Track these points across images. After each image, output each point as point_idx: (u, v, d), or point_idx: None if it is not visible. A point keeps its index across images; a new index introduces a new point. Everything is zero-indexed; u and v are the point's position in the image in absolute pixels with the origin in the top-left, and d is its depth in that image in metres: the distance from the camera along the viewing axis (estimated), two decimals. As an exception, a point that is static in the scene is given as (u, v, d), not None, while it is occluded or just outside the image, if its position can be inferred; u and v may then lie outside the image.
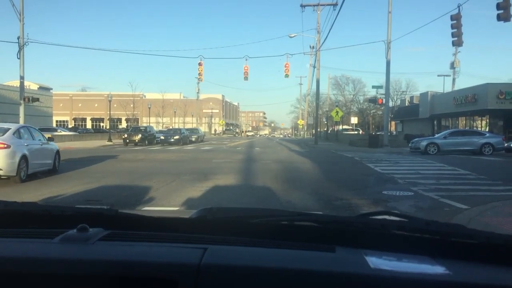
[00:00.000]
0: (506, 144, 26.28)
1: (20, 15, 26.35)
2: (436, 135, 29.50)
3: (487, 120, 37.98)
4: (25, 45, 26.80)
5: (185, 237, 1.34)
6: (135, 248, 1.25)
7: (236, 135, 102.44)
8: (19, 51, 26.67)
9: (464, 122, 42.35)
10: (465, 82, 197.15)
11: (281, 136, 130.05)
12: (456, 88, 46.88)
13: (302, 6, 39.84)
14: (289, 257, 1.20)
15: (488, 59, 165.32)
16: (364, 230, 1.39)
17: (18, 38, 26.62)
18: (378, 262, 1.18)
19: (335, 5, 34.94)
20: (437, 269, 1.18)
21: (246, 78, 39.32)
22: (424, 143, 26.31)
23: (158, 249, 1.25)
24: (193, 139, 45.05)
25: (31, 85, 64.84)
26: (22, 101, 27.83)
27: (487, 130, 34.11)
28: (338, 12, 35.63)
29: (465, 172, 14.76)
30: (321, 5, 39.36)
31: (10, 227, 1.48)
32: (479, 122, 39.87)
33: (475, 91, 36.10)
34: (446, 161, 19.19)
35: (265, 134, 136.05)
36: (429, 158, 22.07)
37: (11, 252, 1.24)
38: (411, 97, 62.43)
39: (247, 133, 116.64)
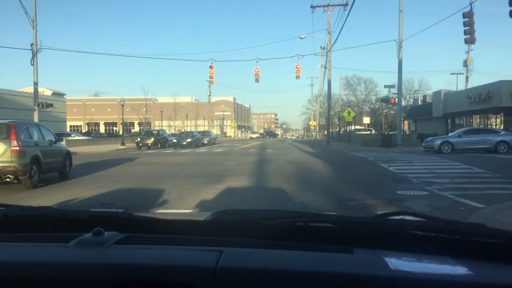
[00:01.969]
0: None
1: (33, 22, 26.68)
2: (450, 134, 29.17)
3: (502, 118, 37.48)
4: (38, 52, 27.13)
5: (201, 240, 1.33)
6: (150, 252, 1.24)
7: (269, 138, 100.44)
8: (32, 58, 27.00)
9: (478, 120, 41.83)
10: (478, 80, 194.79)
11: (294, 137, 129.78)
12: (470, 86, 46.36)
13: (312, 7, 39.87)
14: (307, 259, 1.18)
15: (502, 57, 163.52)
16: (383, 231, 1.37)
17: (32, 45, 26.95)
18: (398, 263, 1.16)
19: (345, 5, 34.87)
20: (459, 270, 1.15)
21: (257, 80, 39.36)
22: (438, 142, 26.04)
23: (173, 252, 1.24)
24: (205, 141, 45.24)
25: (45, 91, 65.59)
26: (36, 107, 28.18)
27: (501, 128, 33.65)
28: (349, 12, 35.42)
29: (480, 171, 14.57)
30: (332, 5, 39.32)
31: (26, 231, 1.48)
32: (494, 120, 39.36)
33: (488, 89, 35.67)
34: (461, 160, 18.97)
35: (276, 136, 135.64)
36: (443, 157, 21.84)
37: (26, 256, 1.23)
38: (424, 96, 61.90)
39: (251, 135, 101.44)
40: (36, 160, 11.87)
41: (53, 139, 13.76)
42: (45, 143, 12.99)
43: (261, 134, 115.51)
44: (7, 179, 11.40)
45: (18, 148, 11.22)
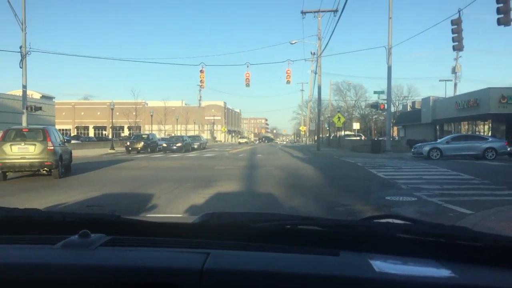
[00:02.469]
0: (509, 149, 26.14)
1: (22, 24, 26.47)
2: (439, 140, 29.41)
3: (490, 125, 37.89)
4: (27, 54, 26.91)
5: (188, 242, 1.33)
6: (137, 254, 1.24)
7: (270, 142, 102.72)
8: (21, 61, 26.75)
9: (467, 127, 42.25)
10: (466, 86, 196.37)
11: (284, 142, 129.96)
12: (458, 92, 46.86)
13: (303, 12, 39.96)
14: (293, 261, 1.19)
15: (490, 64, 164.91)
16: (369, 234, 1.38)
17: (21, 47, 26.71)
18: (383, 265, 1.17)
19: (335, 11, 35.05)
20: (443, 273, 1.16)
21: (247, 85, 39.31)
22: (426, 148, 26.24)
23: (160, 254, 1.24)
24: (196, 146, 45.10)
25: (34, 94, 65.08)
26: (24, 110, 27.89)
27: (489, 134, 34.01)
28: (339, 19, 35.66)
29: (469, 177, 14.69)
30: (322, 11, 39.46)
31: (12, 233, 1.47)
32: (482, 126, 39.78)
33: (477, 96, 36.04)
34: (449, 166, 19.12)
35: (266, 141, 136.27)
36: (432, 163, 22.00)
37: (13, 258, 1.23)
38: (413, 102, 62.43)
39: (239, 140, 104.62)
40: (61, 157, 15.20)
41: (64, 141, 17.31)
42: (61, 144, 16.35)
43: (259, 139, 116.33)
44: (44, 171, 15.00)
45: (52, 148, 14.70)
